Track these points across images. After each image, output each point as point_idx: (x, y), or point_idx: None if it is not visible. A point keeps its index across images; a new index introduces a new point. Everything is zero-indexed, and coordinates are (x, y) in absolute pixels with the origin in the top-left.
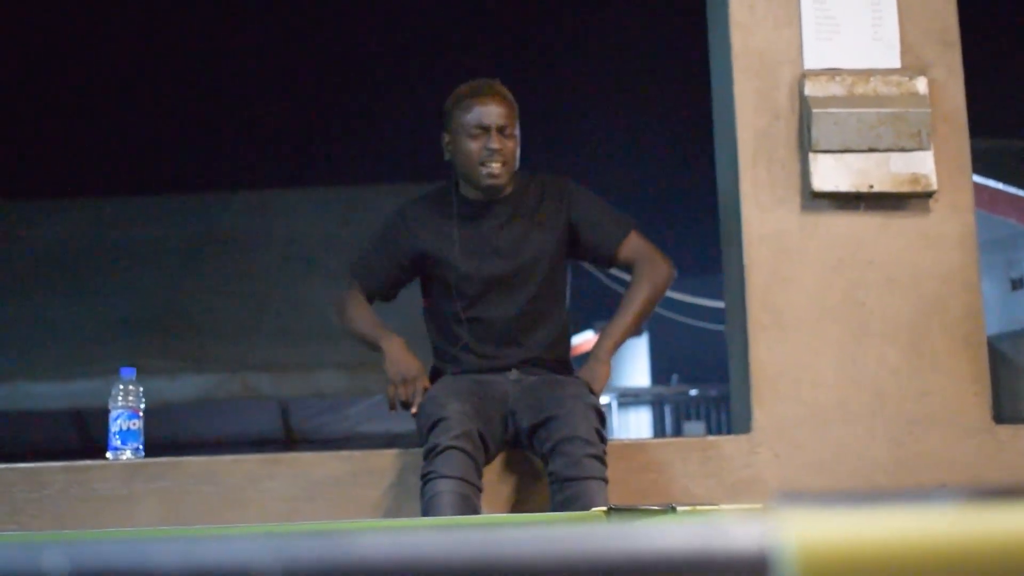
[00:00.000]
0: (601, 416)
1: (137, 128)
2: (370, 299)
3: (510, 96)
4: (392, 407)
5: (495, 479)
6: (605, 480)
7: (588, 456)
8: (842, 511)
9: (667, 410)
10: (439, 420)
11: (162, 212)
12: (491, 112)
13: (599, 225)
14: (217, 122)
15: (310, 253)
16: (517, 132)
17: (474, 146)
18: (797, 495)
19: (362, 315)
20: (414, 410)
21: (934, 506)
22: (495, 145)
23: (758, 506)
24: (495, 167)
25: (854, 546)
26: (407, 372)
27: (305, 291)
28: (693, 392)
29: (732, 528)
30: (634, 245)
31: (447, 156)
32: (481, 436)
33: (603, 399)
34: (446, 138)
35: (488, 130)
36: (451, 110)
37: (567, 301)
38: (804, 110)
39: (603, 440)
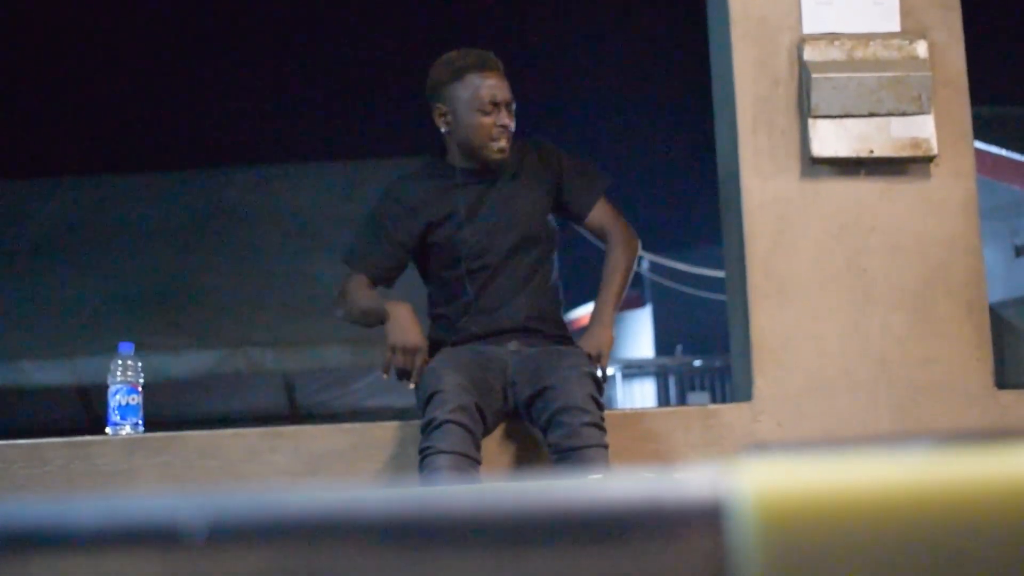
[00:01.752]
0: (598, 383)
1: (139, 105)
2: (370, 285)
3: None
4: (386, 372)
5: (495, 450)
6: (605, 446)
7: (586, 424)
8: (803, 459)
9: (671, 381)
10: (435, 393)
11: (164, 189)
12: (500, 88)
13: (576, 182)
14: (219, 97)
15: (313, 228)
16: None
17: (487, 122)
18: (761, 446)
19: (365, 293)
20: (412, 384)
21: (900, 452)
22: (507, 122)
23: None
24: (503, 143)
25: (814, 493)
26: (407, 341)
27: (309, 266)
28: (697, 363)
29: (687, 479)
30: (605, 211)
31: (443, 129)
32: (479, 408)
33: (608, 370)
34: (441, 110)
35: (499, 107)
36: (449, 82)
37: (556, 268)
38: (803, 75)
39: (600, 407)
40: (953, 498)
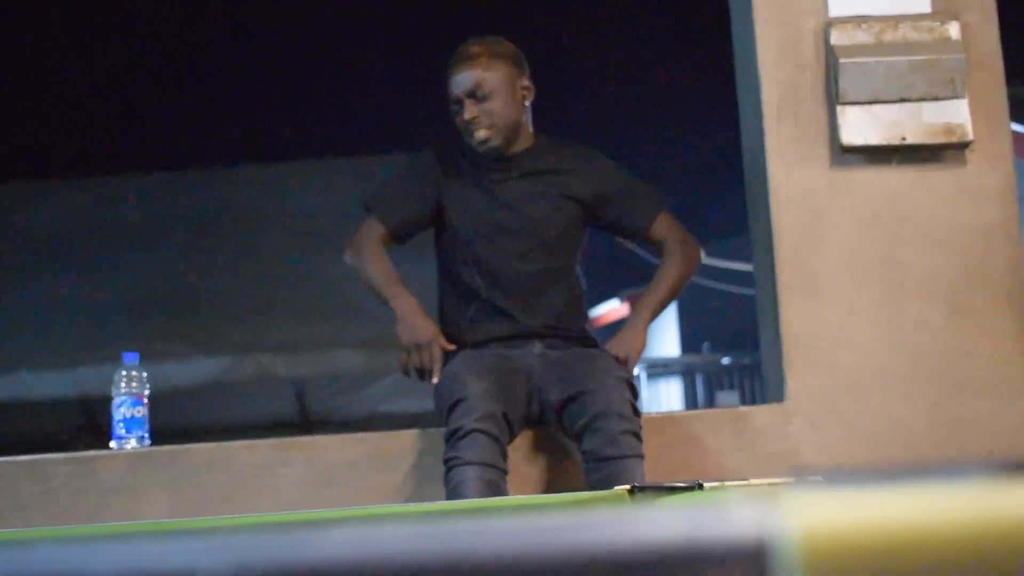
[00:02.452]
0: (634, 390)
1: (138, 102)
2: (386, 240)
3: (489, 51)
4: (406, 373)
5: (521, 460)
6: (642, 457)
7: (625, 432)
8: (853, 492)
9: (698, 380)
10: (460, 400)
11: (165, 189)
12: (459, 81)
13: (631, 199)
14: (221, 93)
15: (322, 227)
16: (504, 87)
17: (457, 121)
18: (807, 473)
19: (377, 266)
20: (435, 379)
21: (956, 483)
22: (467, 115)
23: (788, 480)
24: (479, 135)
25: (866, 531)
26: (420, 336)
27: (318, 267)
28: (725, 360)
29: (729, 513)
30: (666, 224)
31: None
32: (505, 416)
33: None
34: None
35: (461, 101)
36: (444, 80)
37: (583, 280)
38: (830, 60)
39: (638, 415)
40: (1019, 534)
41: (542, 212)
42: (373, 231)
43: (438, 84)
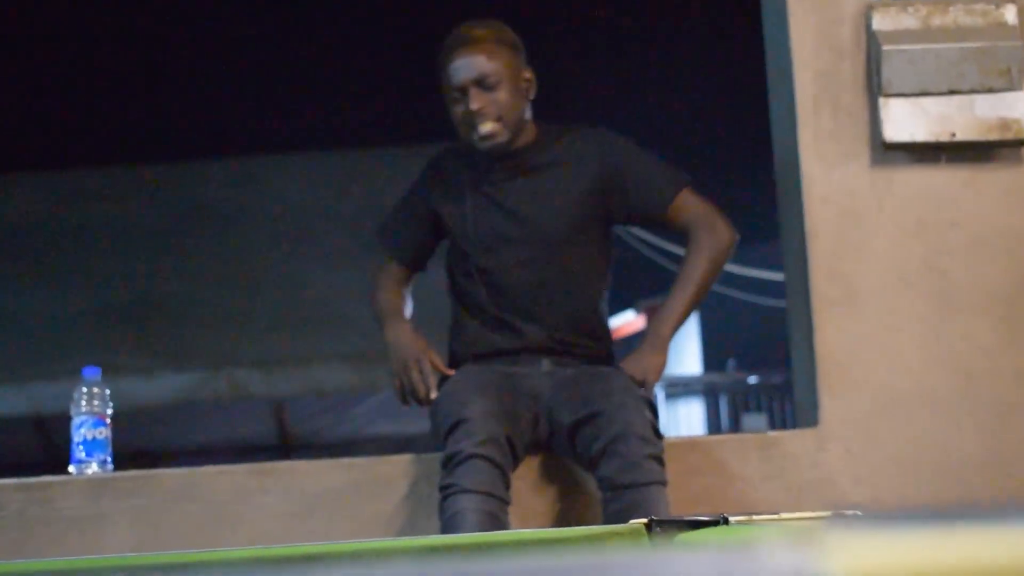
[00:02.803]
0: (655, 410)
1: (102, 88)
2: (398, 272)
3: (494, 37)
4: (404, 402)
5: (526, 489)
6: (665, 484)
7: (647, 457)
8: (899, 533)
9: (722, 401)
10: (459, 422)
11: (134, 185)
12: (463, 67)
13: (646, 181)
14: (195, 79)
15: (305, 229)
16: (511, 76)
17: (457, 111)
18: (844, 508)
19: (379, 296)
20: (432, 394)
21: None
22: (474, 105)
23: (824, 515)
24: (485, 128)
25: None
26: (408, 355)
27: (300, 273)
28: (752, 379)
29: (759, 557)
30: (688, 204)
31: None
32: (509, 440)
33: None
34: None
35: (464, 90)
36: (438, 68)
37: (607, 278)
38: (872, 47)
39: (660, 437)
40: None
41: (546, 214)
42: (383, 266)
43: (432, 69)
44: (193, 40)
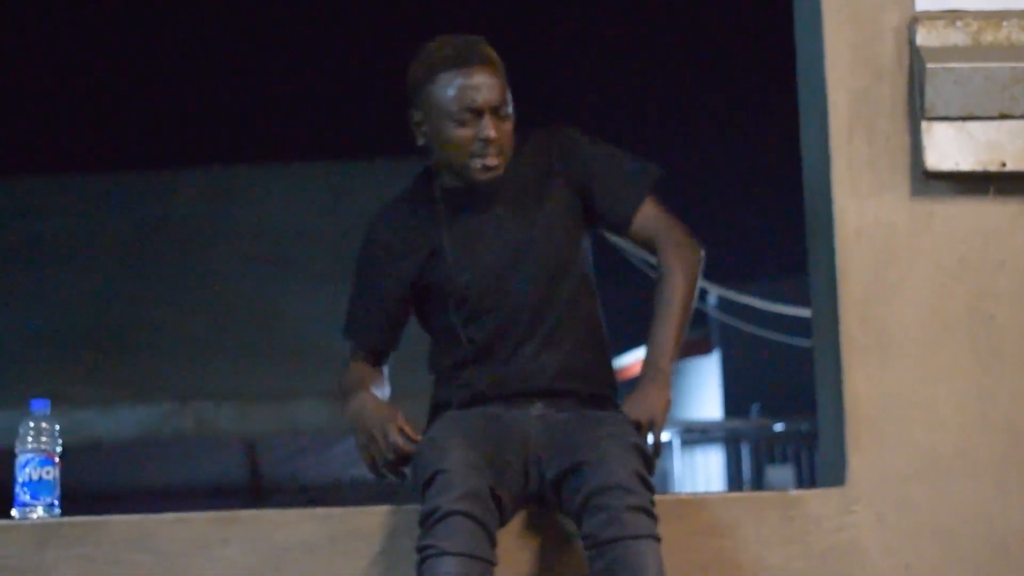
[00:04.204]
0: (647, 458)
1: (63, 89)
2: (377, 359)
3: (498, 59)
4: (377, 475)
5: (514, 546)
6: (656, 538)
7: (630, 508)
8: None
9: (744, 450)
10: (437, 473)
11: (93, 196)
12: (482, 89)
13: (612, 183)
14: (164, 78)
15: (284, 249)
16: (511, 107)
17: (463, 134)
18: None
19: (346, 377)
20: (411, 449)
21: None
22: (492, 134)
23: None
24: (493, 160)
25: None
26: (371, 423)
27: (277, 298)
28: (779, 427)
29: None
30: (653, 215)
31: (420, 140)
32: (493, 493)
33: (663, 435)
34: (417, 118)
35: (480, 114)
36: (423, 83)
37: (598, 297)
38: (915, 65)
39: (649, 488)
40: None
41: (540, 229)
42: (350, 369)
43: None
44: (161, 35)
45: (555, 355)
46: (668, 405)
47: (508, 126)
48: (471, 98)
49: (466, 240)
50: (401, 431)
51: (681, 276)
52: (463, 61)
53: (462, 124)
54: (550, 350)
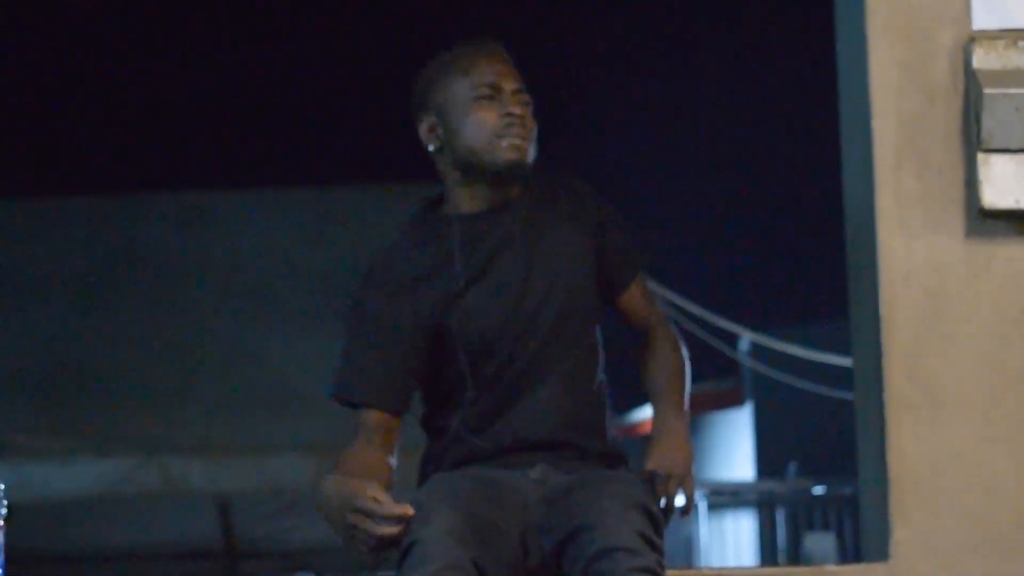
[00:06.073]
0: (654, 518)
1: (22, 107)
2: (389, 427)
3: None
4: (369, 553)
5: None
6: None
7: (635, 571)
8: None
9: (780, 515)
10: (413, 544)
11: (52, 223)
12: (497, 66)
13: (620, 252)
14: (130, 94)
15: (263, 283)
16: (531, 99)
17: (484, 113)
18: None
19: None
20: (387, 529)
21: None
22: (517, 109)
23: None
24: (518, 140)
25: None
26: (338, 505)
27: (254, 340)
28: (818, 490)
29: None
30: (644, 292)
31: (432, 146)
32: (476, 565)
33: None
34: (429, 122)
35: (500, 91)
36: (435, 80)
37: (602, 363)
38: (971, 90)
39: (656, 549)
40: None
41: (562, 264)
42: (362, 426)
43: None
44: (128, 45)
45: (562, 407)
46: (691, 458)
47: (530, 112)
48: (489, 74)
49: (485, 273)
50: (375, 500)
51: (676, 355)
52: (474, 50)
53: (483, 102)
54: (556, 400)
